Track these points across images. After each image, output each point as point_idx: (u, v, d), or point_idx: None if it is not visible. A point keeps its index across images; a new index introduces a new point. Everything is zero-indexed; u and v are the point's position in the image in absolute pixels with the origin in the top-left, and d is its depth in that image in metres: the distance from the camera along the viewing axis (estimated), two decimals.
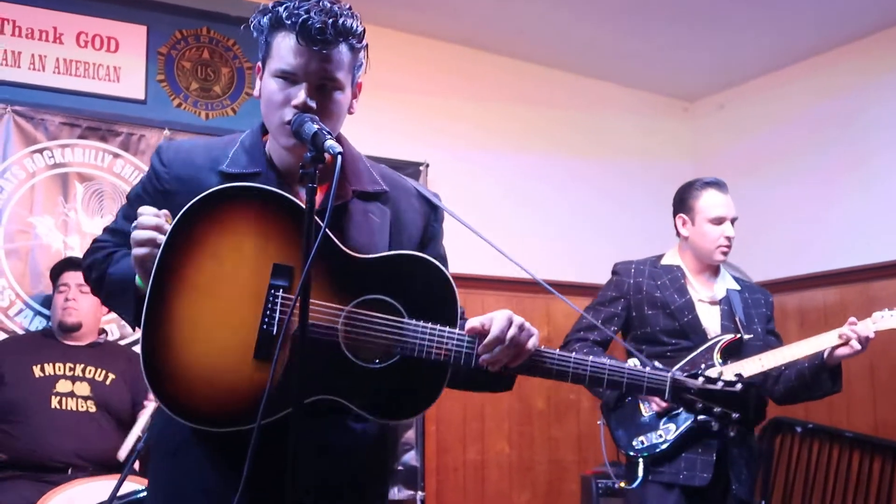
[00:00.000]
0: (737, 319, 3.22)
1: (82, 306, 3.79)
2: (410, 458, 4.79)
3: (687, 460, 3.09)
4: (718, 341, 3.16)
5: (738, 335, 3.17)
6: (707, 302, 3.27)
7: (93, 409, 3.67)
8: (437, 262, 1.74)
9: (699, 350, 3.16)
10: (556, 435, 5.45)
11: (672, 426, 3.12)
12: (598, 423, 3.43)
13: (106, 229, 1.93)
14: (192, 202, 1.66)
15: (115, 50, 4.50)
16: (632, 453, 3.20)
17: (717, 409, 1.79)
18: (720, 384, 1.81)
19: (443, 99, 5.39)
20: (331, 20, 1.69)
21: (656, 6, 5.03)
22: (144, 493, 3.10)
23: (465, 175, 5.27)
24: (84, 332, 3.84)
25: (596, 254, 5.35)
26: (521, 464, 5.35)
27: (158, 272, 1.64)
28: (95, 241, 1.92)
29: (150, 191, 1.84)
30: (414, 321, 1.69)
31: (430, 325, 1.70)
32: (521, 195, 5.51)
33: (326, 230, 1.53)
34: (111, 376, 3.78)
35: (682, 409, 3.05)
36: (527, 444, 5.38)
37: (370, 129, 4.86)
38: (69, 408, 3.65)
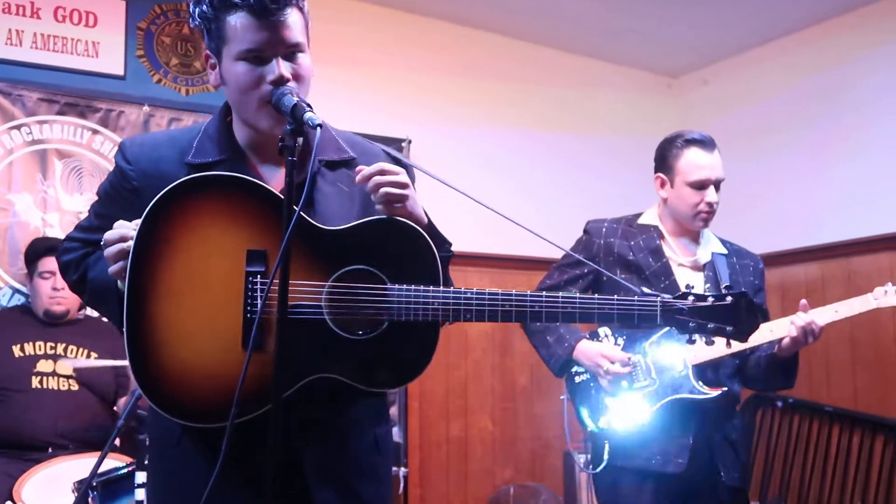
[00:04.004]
0: (723, 288, 3.02)
1: (70, 294, 3.70)
2: (393, 434, 4.79)
3: (660, 443, 2.73)
4: None
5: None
6: (689, 267, 2.94)
7: (75, 387, 3.65)
8: (409, 222, 1.70)
9: None
10: (539, 411, 5.46)
11: (646, 405, 2.78)
12: (561, 398, 3.15)
13: (79, 226, 1.90)
14: (152, 203, 1.62)
15: (93, 25, 4.44)
16: (597, 431, 2.85)
17: (710, 325, 1.78)
18: (710, 300, 1.79)
19: (426, 75, 5.35)
20: None
21: None
22: (125, 470, 3.10)
23: (447, 151, 5.24)
24: (69, 316, 3.81)
25: (580, 230, 5.34)
26: (504, 440, 5.37)
27: (132, 279, 1.61)
28: (69, 239, 1.90)
29: (119, 188, 1.80)
30: (397, 286, 1.67)
31: (413, 287, 1.67)
32: (504, 171, 5.49)
33: (299, 211, 1.50)
34: (94, 355, 3.74)
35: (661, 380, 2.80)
36: (510, 420, 5.40)
37: (353, 105, 4.84)
38: (51, 387, 3.62)
